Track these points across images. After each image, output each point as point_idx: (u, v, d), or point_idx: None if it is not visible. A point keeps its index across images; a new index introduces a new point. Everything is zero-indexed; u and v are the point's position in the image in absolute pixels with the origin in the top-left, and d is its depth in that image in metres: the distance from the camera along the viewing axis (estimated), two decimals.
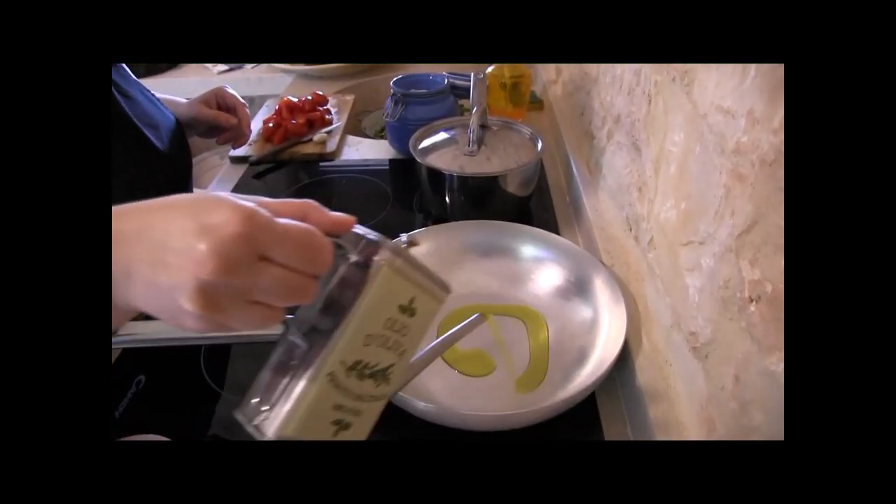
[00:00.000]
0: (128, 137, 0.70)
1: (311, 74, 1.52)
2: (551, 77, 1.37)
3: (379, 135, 1.33)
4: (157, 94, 0.84)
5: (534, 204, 0.95)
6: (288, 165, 1.13)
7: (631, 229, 0.71)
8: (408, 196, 1.01)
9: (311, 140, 1.16)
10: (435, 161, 0.86)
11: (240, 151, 1.12)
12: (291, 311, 0.36)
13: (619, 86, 0.78)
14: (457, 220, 0.83)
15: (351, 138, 1.22)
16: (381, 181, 1.07)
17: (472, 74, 0.88)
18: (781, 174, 0.35)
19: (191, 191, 0.88)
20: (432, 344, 0.51)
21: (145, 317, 0.34)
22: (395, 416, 0.58)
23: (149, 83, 0.91)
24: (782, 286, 0.35)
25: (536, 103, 1.30)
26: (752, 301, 0.39)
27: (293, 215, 0.33)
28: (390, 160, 1.13)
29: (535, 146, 0.89)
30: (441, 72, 1.13)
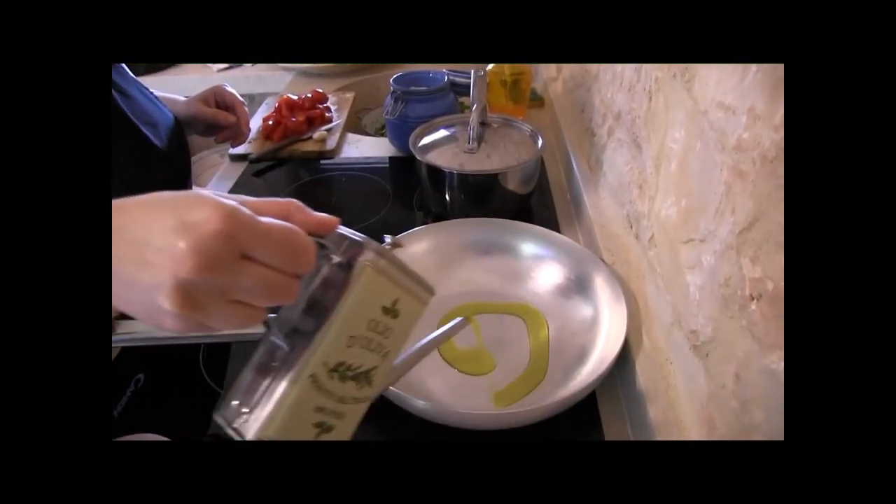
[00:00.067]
0: (126, 136, 0.70)
1: (310, 72, 1.51)
2: (552, 74, 1.36)
3: (379, 132, 1.33)
4: (156, 93, 0.84)
5: (534, 201, 0.95)
6: (288, 163, 1.12)
7: (632, 227, 0.71)
8: (408, 194, 1.01)
9: (310, 138, 1.15)
10: (435, 158, 0.86)
11: (239, 149, 1.11)
12: (273, 311, 0.35)
13: (620, 82, 0.78)
14: (457, 217, 0.82)
15: (351, 136, 1.21)
16: (381, 179, 1.07)
17: (473, 72, 0.88)
18: (782, 171, 0.34)
19: (190, 189, 0.87)
20: (414, 348, 0.51)
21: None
22: (393, 415, 0.58)
23: (148, 81, 0.91)
24: (783, 284, 0.34)
25: (537, 100, 1.30)
26: (752, 299, 0.38)
27: (276, 215, 0.33)
28: (390, 158, 1.13)
29: (536, 143, 0.89)
30: (441, 69, 1.12)
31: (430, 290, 0.41)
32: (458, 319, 0.55)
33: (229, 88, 0.97)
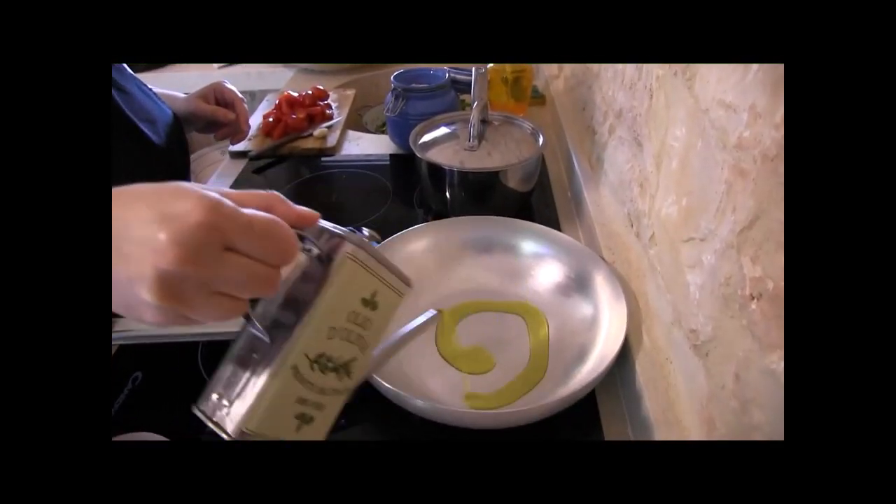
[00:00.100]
0: (124, 133, 0.69)
1: (311, 69, 1.51)
2: (553, 72, 1.36)
3: (380, 130, 1.33)
4: (155, 89, 0.84)
5: (535, 200, 0.95)
6: (288, 160, 1.12)
7: (632, 225, 0.70)
8: (408, 191, 1.00)
9: (311, 135, 1.15)
10: (435, 156, 0.86)
11: (239, 146, 1.11)
12: (251, 304, 0.35)
13: (621, 80, 0.77)
14: (457, 215, 0.82)
15: (351, 133, 1.21)
16: (381, 176, 1.06)
17: (474, 69, 0.87)
18: (783, 170, 0.34)
19: None
20: (389, 341, 0.51)
21: None
22: (392, 414, 0.58)
23: (148, 77, 0.91)
24: (783, 283, 0.34)
25: (538, 98, 1.29)
26: (752, 298, 0.38)
27: (258, 207, 0.33)
28: (391, 155, 1.13)
29: (537, 141, 0.88)
30: (442, 66, 1.12)
31: (407, 282, 0.41)
32: (430, 313, 0.55)
33: (229, 85, 0.97)
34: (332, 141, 1.14)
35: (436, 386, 0.62)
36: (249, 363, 0.35)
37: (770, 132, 0.36)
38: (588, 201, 0.85)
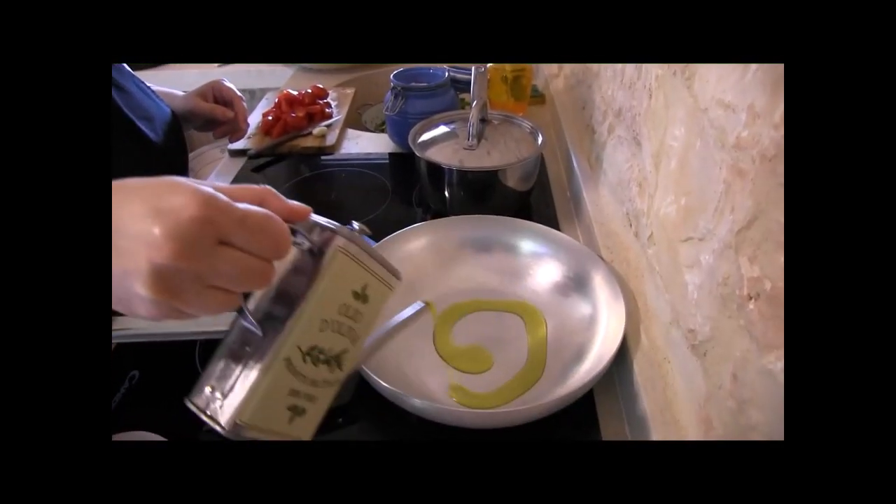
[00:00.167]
0: (122, 131, 0.69)
1: (311, 68, 1.51)
2: (553, 71, 1.36)
3: (379, 128, 1.32)
4: (154, 87, 0.84)
5: (534, 199, 0.94)
6: (287, 159, 1.12)
7: (631, 225, 0.70)
8: (407, 190, 1.00)
9: (310, 133, 1.15)
10: (434, 155, 0.85)
11: (238, 145, 1.11)
12: (244, 297, 0.35)
13: (621, 80, 0.77)
14: (456, 214, 0.82)
15: (351, 132, 1.21)
16: (380, 175, 1.06)
17: (473, 68, 0.87)
18: (782, 170, 0.34)
19: None
20: (378, 333, 0.52)
21: None
22: (390, 414, 0.58)
23: (147, 75, 0.91)
24: (781, 284, 0.34)
25: (538, 97, 1.29)
26: (750, 298, 0.38)
27: (251, 201, 0.33)
28: (390, 154, 1.12)
29: (536, 140, 0.88)
30: (442, 65, 1.12)
31: (397, 275, 0.42)
32: (417, 305, 0.55)
33: (228, 83, 0.96)
34: (331, 139, 1.13)
35: (434, 385, 0.62)
36: (242, 356, 0.35)
37: (769, 132, 0.36)
38: (587, 201, 0.85)
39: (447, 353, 0.66)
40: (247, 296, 0.35)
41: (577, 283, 0.71)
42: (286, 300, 0.36)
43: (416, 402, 0.54)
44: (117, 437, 0.55)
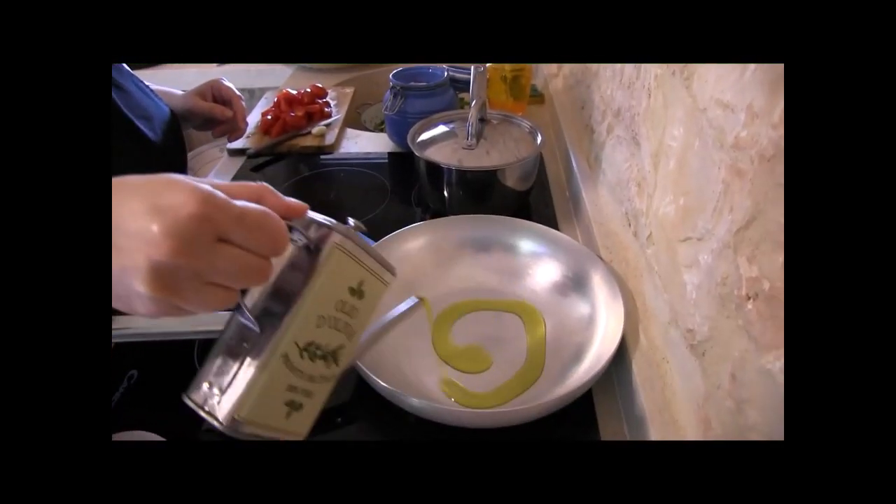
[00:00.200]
0: (121, 130, 0.69)
1: (310, 67, 1.51)
2: (552, 71, 1.36)
3: (378, 128, 1.32)
4: (153, 86, 0.84)
5: (533, 198, 0.94)
6: (286, 158, 1.12)
7: (630, 225, 0.70)
8: (406, 190, 1.00)
9: (309, 133, 1.15)
10: (433, 154, 0.85)
11: (237, 144, 1.11)
12: (241, 294, 0.36)
13: (620, 79, 0.77)
14: (455, 214, 0.82)
15: (350, 131, 1.21)
16: (379, 174, 1.06)
17: (473, 68, 0.87)
18: (781, 170, 0.34)
19: None
20: (373, 329, 0.52)
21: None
22: (389, 413, 0.58)
23: (145, 74, 0.91)
24: (780, 284, 0.34)
25: (537, 97, 1.29)
26: (749, 298, 0.38)
27: (248, 198, 0.33)
28: (389, 153, 1.12)
29: (535, 140, 0.88)
30: (441, 65, 1.12)
31: (392, 271, 0.43)
32: (411, 300, 0.55)
33: (227, 82, 0.96)
34: (330, 139, 1.13)
35: (433, 385, 0.62)
36: (240, 352, 0.35)
37: (767, 132, 0.36)
38: (586, 200, 0.85)
39: (446, 353, 0.66)
40: (244, 292, 0.36)
41: (575, 283, 0.71)
42: (283, 297, 0.36)
43: (415, 402, 0.54)
44: (116, 436, 0.55)
